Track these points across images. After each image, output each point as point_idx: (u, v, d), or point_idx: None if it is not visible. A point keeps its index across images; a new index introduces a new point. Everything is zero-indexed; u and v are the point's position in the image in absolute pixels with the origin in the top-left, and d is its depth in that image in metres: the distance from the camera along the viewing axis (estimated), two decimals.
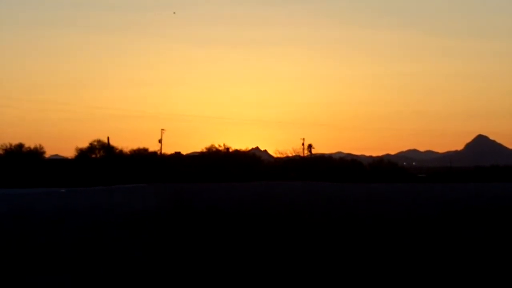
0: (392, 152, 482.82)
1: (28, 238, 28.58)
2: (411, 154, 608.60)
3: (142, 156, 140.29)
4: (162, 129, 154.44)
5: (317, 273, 19.10)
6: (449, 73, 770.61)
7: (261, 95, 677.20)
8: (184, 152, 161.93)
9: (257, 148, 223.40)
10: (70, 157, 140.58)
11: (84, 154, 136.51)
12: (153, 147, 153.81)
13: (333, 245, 25.21)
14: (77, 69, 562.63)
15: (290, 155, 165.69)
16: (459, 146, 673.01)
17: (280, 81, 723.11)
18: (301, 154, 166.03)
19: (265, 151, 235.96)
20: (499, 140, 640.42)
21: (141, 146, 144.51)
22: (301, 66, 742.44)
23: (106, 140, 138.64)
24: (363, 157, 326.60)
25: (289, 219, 37.34)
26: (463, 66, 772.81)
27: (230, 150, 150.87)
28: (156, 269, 19.89)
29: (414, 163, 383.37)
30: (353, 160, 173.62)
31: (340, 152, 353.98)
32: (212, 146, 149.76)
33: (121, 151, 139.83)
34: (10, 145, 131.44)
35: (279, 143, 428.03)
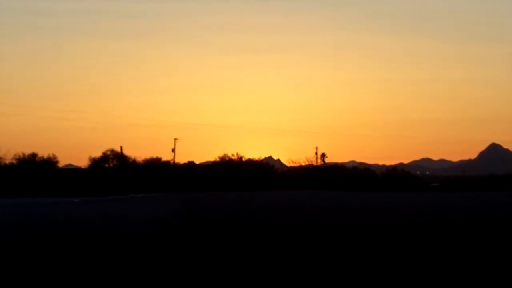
0: (406, 161, 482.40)
1: (41, 248, 28.59)
2: (425, 163, 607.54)
3: (155, 166, 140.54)
4: (175, 139, 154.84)
5: (332, 280, 19.04)
6: (462, 80, 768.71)
7: (274, 104, 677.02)
8: (197, 162, 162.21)
9: (270, 157, 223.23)
10: (83, 167, 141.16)
11: (97, 164, 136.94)
12: (166, 156, 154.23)
13: (347, 253, 25.13)
14: (90, 78, 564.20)
15: (303, 164, 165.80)
16: (472, 154, 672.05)
17: (294, 90, 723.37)
18: (314, 163, 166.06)
19: (278, 160, 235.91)
20: None
21: (154, 155, 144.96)
22: (315, 74, 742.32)
23: (119, 150, 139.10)
24: (376, 166, 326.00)
25: (303, 228, 37.25)
26: (477, 73, 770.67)
27: (243, 159, 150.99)
28: (170, 278, 19.85)
29: (427, 172, 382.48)
30: (366, 169, 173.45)
31: (353, 161, 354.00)
32: (225, 155, 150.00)
33: (134, 161, 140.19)
34: (24, 154, 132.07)
35: (292, 152, 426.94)
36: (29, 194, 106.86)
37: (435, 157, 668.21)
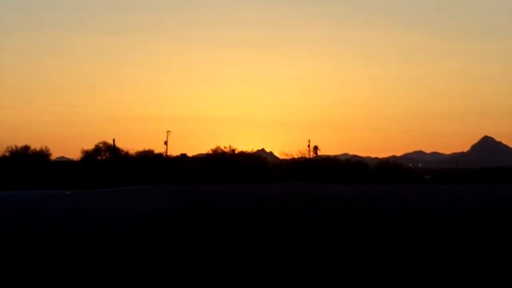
0: (398, 154, 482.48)
1: (34, 240, 28.55)
2: (417, 155, 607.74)
3: (147, 158, 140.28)
4: (168, 131, 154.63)
5: (325, 275, 19.05)
6: (454, 74, 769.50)
7: (266, 97, 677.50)
8: (189, 154, 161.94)
9: (262, 149, 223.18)
10: (75, 159, 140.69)
11: (90, 156, 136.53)
12: (159, 149, 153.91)
13: (338, 246, 25.16)
14: (83, 71, 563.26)
15: (295, 156, 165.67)
16: (465, 147, 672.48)
17: (286, 83, 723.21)
18: (307, 156, 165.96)
19: (271, 152, 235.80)
20: (505, 141, 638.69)
21: (147, 148, 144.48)
22: (307, 67, 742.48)
23: (111, 142, 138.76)
24: (368, 158, 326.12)
25: (296, 221, 37.28)
26: (469, 67, 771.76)
27: (236, 152, 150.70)
28: (164, 271, 19.84)
29: (420, 165, 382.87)
30: (359, 162, 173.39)
31: (345, 154, 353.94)
32: (218, 147, 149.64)
33: (126, 153, 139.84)
34: (16, 147, 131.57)
35: (285, 145, 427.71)
36: (21, 186, 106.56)
37: (428, 149, 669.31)
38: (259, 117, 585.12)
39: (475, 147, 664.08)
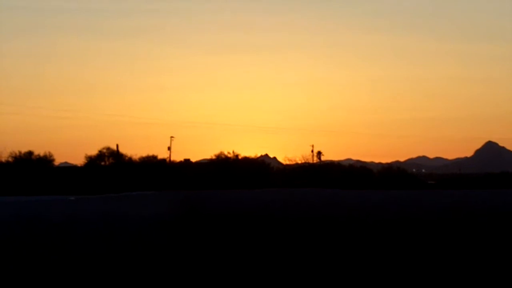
0: (402, 159, 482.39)
1: (37, 246, 28.53)
2: (421, 161, 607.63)
3: (151, 164, 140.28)
4: (171, 137, 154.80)
5: (326, 277, 19.02)
6: (458, 79, 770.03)
7: (270, 102, 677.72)
8: (193, 159, 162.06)
9: (266, 155, 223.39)
10: (79, 165, 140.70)
11: (93, 162, 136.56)
12: (162, 154, 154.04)
13: (339, 249, 25.11)
14: (86, 76, 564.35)
15: (299, 162, 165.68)
16: (468, 152, 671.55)
17: (290, 88, 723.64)
18: (311, 161, 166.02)
19: (275, 158, 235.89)
20: (508, 146, 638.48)
21: (150, 153, 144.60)
22: (311, 72, 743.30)
23: (115, 148, 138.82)
24: (372, 164, 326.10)
25: (299, 225, 37.23)
26: (473, 72, 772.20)
27: (239, 157, 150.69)
28: (167, 275, 19.82)
29: (423, 170, 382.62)
30: (363, 167, 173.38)
31: (349, 159, 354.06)
32: (221, 153, 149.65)
33: (130, 159, 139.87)
34: (20, 152, 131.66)
35: (289, 150, 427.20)
36: (25, 192, 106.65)
37: (431, 155, 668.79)
38: (262, 122, 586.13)
39: (478, 152, 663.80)
